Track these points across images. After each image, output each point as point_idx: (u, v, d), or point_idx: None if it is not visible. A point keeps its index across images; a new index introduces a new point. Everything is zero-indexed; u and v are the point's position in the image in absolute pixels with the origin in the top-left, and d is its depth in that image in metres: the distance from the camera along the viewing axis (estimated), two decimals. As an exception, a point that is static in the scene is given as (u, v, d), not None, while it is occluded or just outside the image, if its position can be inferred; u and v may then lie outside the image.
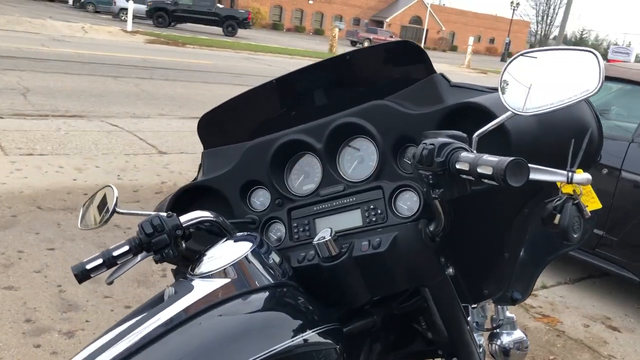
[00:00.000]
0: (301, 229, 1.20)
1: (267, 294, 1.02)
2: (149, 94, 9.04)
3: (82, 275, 1.13)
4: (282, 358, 0.92)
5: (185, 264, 1.19)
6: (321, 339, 0.98)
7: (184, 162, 5.59)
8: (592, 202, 1.03)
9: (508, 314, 1.27)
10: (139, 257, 1.19)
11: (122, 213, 1.22)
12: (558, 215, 0.91)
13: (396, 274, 1.08)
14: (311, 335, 0.97)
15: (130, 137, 6.24)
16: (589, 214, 0.94)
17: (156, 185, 4.85)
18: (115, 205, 1.20)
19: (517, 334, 1.27)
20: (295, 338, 0.95)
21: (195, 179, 1.39)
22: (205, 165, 1.37)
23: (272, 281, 1.04)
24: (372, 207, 1.13)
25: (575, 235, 0.91)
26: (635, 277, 3.47)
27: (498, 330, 1.27)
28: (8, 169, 4.66)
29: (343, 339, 1.03)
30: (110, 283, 1.23)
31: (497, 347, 1.26)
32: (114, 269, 1.16)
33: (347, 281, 1.09)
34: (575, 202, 0.92)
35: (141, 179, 4.95)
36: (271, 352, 0.91)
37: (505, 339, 1.26)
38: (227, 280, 1.02)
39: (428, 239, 1.06)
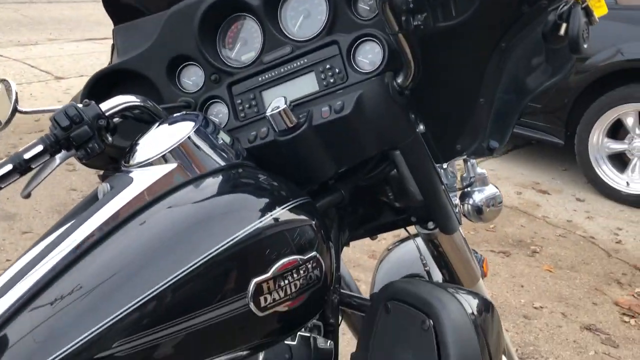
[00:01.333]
0: (247, 106, 1.03)
1: (221, 177, 0.86)
2: (33, 19, 8.17)
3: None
4: (251, 244, 0.78)
5: (115, 167, 1.00)
6: (294, 216, 0.85)
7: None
8: (598, 7, 0.91)
9: (479, 170, 1.19)
10: (58, 158, 0.98)
11: (25, 112, 1.00)
12: (564, 25, 0.79)
13: (364, 138, 0.95)
14: (281, 212, 0.83)
15: (20, 66, 5.64)
16: (597, 20, 0.83)
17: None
18: (16, 102, 0.98)
19: (490, 189, 1.19)
20: (263, 218, 0.80)
21: (110, 63, 1.17)
22: (119, 44, 1.14)
23: (225, 163, 0.88)
24: (327, 67, 0.97)
25: (585, 45, 0.81)
26: (560, 140, 3.58)
27: (469, 188, 1.19)
28: None
29: (318, 214, 0.90)
30: (27, 196, 1.03)
31: (469, 206, 1.18)
32: (29, 175, 0.96)
33: (310, 154, 0.95)
34: (584, 5, 0.80)
35: (42, 105, 4.51)
36: (236, 239, 0.76)
37: (478, 197, 1.18)
38: (171, 167, 0.85)
39: (396, 93, 0.92)
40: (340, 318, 1.10)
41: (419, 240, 1.19)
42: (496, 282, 2.47)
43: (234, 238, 0.77)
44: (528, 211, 3.21)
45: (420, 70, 0.90)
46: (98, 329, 0.68)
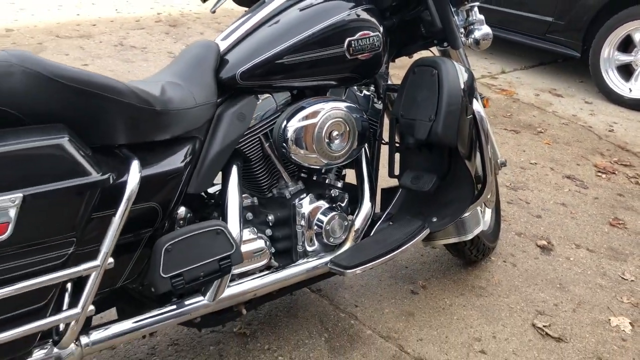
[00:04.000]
0: None
1: None
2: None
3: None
4: (347, 23, 1.53)
5: None
6: (368, 16, 1.60)
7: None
8: None
9: (478, 15, 1.91)
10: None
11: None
12: None
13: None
14: (359, 10, 1.59)
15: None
16: None
17: (154, 15, 5.25)
18: None
19: (485, 29, 1.90)
20: (350, 10, 1.56)
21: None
22: None
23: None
24: None
25: None
26: (577, 53, 4.20)
27: (472, 26, 1.91)
28: (12, 9, 4.98)
29: (384, 28, 1.63)
30: (214, 12, 1.83)
31: (472, 39, 1.90)
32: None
33: None
34: None
35: (138, 11, 5.33)
36: (338, 19, 1.52)
37: (477, 33, 1.90)
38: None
39: None
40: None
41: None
42: (504, 147, 3.20)
43: (337, 20, 1.53)
44: (541, 107, 3.90)
45: None
46: (281, 47, 1.46)
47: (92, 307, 1.13)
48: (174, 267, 1.26)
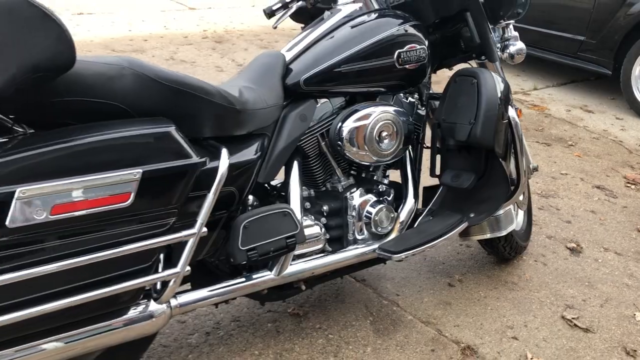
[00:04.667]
0: None
1: (378, 13, 1.83)
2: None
3: (270, 13, 1.95)
4: (396, 37, 1.74)
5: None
6: (415, 31, 1.81)
7: (213, 14, 6.26)
8: None
9: (513, 32, 2.10)
10: (294, 5, 2.00)
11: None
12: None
13: (451, 1, 1.89)
14: (408, 26, 1.80)
15: (160, -3, 6.84)
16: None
17: (200, 32, 5.56)
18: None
19: (519, 44, 2.09)
20: (400, 27, 1.77)
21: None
22: None
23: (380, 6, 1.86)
24: None
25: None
26: (608, 70, 4.34)
27: (507, 42, 2.10)
28: (69, 24, 5.34)
29: (428, 42, 1.84)
30: (275, 27, 2.06)
31: (507, 53, 2.09)
32: (281, 14, 1.99)
33: (423, 7, 1.89)
34: None
35: (185, 28, 5.66)
36: (389, 35, 1.74)
37: (512, 48, 2.09)
38: (359, 4, 1.84)
39: None
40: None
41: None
42: (535, 158, 3.36)
43: (388, 35, 1.74)
44: (572, 122, 4.04)
45: None
46: (339, 58, 1.68)
47: (188, 268, 1.34)
48: (250, 241, 1.47)
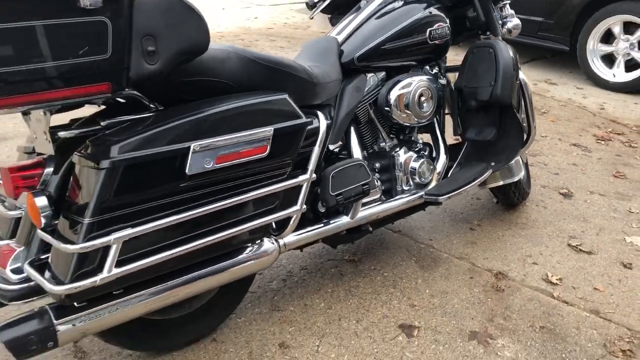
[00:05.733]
0: None
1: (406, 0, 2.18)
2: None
3: (312, 5, 2.29)
4: (423, 22, 2.10)
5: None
6: (439, 12, 2.18)
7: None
8: None
9: (510, 10, 2.49)
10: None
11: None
12: None
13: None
14: (434, 8, 2.16)
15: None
16: None
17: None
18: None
19: (515, 20, 2.49)
20: (427, 10, 2.14)
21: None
22: None
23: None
24: None
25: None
26: (566, 47, 4.85)
27: (505, 19, 2.49)
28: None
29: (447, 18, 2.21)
30: (312, 18, 2.39)
31: (505, 29, 2.48)
32: (320, 7, 2.31)
33: None
34: None
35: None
36: (418, 17, 2.10)
37: (510, 24, 2.47)
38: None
39: None
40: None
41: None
42: (517, 125, 3.80)
43: (421, 16, 2.10)
44: (541, 93, 4.53)
45: None
46: (384, 37, 2.03)
47: (305, 206, 1.66)
48: (337, 188, 1.80)
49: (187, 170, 1.37)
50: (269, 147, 1.51)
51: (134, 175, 1.31)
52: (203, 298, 1.83)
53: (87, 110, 1.48)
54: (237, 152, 1.45)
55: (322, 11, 2.46)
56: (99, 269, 1.30)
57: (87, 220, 1.27)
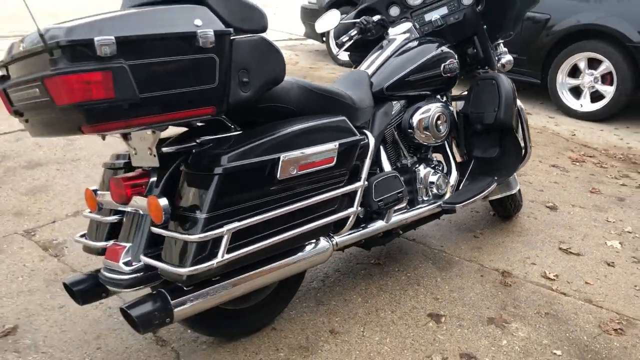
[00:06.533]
0: (420, 21, 2.76)
1: (419, 41, 2.59)
2: None
3: (341, 44, 2.67)
4: (435, 60, 2.51)
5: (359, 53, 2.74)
6: (449, 50, 2.58)
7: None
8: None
9: (503, 48, 2.92)
10: (355, 37, 2.72)
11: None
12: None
13: (468, 29, 2.68)
14: (443, 48, 2.57)
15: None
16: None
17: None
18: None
19: (508, 56, 2.92)
20: (439, 49, 2.54)
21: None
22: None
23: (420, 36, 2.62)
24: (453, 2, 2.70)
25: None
26: (537, 80, 5.37)
27: (500, 55, 2.92)
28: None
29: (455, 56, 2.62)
30: (337, 55, 2.76)
31: (500, 64, 2.91)
32: (346, 46, 2.70)
33: (450, 33, 2.67)
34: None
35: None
36: (434, 55, 2.50)
37: (503, 60, 2.91)
38: (407, 35, 2.59)
39: (476, 10, 2.67)
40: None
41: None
42: (501, 150, 4.23)
43: (436, 53, 2.50)
44: (518, 122, 5.00)
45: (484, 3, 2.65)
46: (408, 70, 2.43)
47: (360, 209, 2.00)
48: (379, 194, 2.15)
49: (277, 176, 1.70)
50: (335, 158, 1.85)
51: (239, 179, 1.63)
52: (266, 291, 2.13)
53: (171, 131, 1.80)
54: (313, 162, 1.79)
55: (346, 49, 2.84)
56: (213, 254, 1.61)
57: (204, 215, 1.58)
